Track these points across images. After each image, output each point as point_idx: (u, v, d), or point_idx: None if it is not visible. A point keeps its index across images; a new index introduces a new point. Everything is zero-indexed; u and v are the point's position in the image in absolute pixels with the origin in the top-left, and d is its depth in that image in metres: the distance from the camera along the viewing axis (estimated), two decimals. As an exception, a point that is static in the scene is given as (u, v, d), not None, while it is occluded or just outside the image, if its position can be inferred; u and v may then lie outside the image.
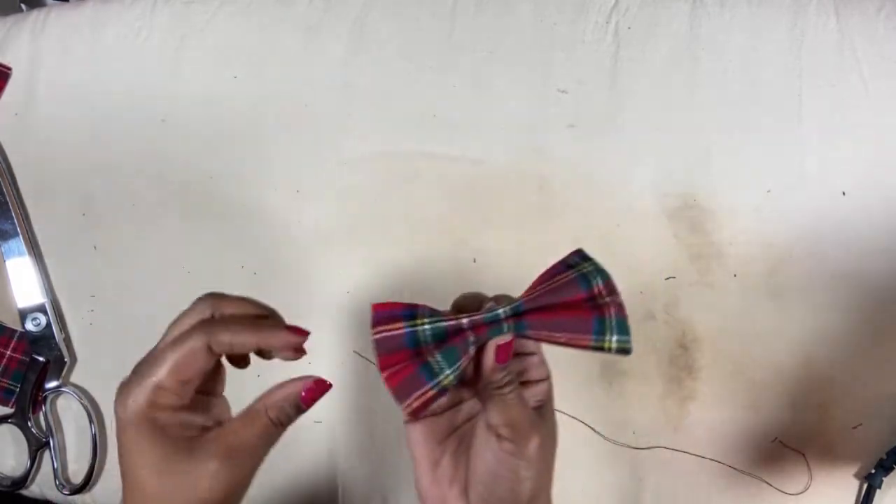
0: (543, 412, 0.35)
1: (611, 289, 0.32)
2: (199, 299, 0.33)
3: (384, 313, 0.31)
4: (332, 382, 0.33)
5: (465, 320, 0.31)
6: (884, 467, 0.46)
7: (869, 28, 0.50)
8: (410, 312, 0.31)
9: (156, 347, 0.32)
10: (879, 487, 0.46)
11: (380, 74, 0.56)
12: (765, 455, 0.48)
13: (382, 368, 0.30)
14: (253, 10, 0.58)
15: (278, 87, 0.57)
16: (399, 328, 0.31)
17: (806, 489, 0.48)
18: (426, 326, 0.31)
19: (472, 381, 0.33)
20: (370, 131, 0.55)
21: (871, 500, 0.47)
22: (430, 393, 0.30)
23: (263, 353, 0.33)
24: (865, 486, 0.47)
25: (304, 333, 0.32)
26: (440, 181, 0.54)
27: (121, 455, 0.31)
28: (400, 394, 0.30)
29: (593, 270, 0.33)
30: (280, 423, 0.32)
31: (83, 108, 0.60)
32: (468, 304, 0.34)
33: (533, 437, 0.32)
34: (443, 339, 0.31)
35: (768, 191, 0.50)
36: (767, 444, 0.48)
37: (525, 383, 0.34)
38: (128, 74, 0.60)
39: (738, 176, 0.51)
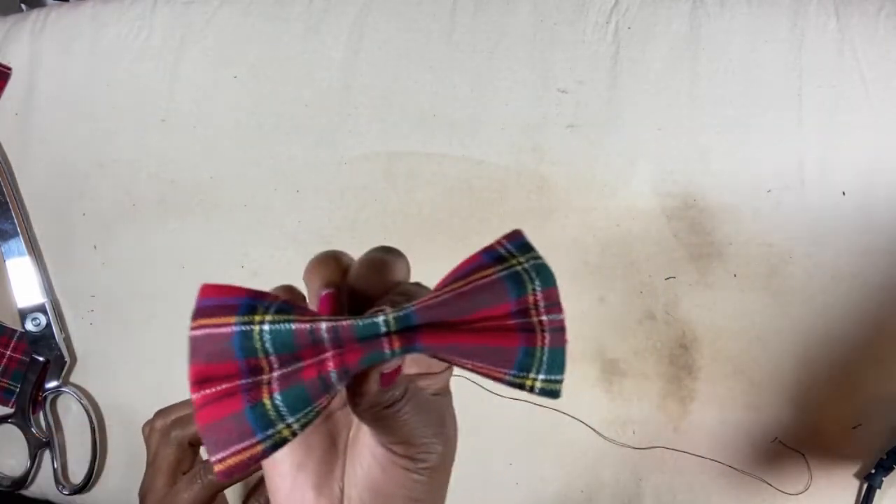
0: (441, 403, 0.26)
1: (551, 299, 0.23)
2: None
3: (213, 301, 0.20)
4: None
5: (324, 325, 0.20)
6: (884, 467, 0.46)
7: (869, 28, 0.50)
8: (250, 304, 0.20)
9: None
10: (879, 487, 0.46)
11: (380, 74, 0.56)
12: (765, 455, 0.48)
13: (194, 384, 0.20)
14: (253, 10, 0.58)
15: (278, 87, 0.57)
16: (227, 326, 0.20)
17: (806, 489, 0.48)
18: (265, 326, 0.20)
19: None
20: (370, 131, 0.55)
21: (871, 500, 0.47)
22: (258, 449, 0.20)
23: None
24: (865, 486, 0.47)
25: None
26: (440, 181, 0.54)
27: None
28: (212, 439, 0.20)
29: (531, 268, 0.23)
30: (221, 482, 0.38)
31: (83, 108, 0.60)
32: (323, 271, 0.24)
33: (434, 447, 0.25)
34: (289, 351, 0.20)
35: (768, 191, 0.50)
36: (767, 444, 0.48)
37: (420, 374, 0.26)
38: (128, 74, 0.60)
39: (738, 176, 0.51)
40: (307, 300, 0.25)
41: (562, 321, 0.22)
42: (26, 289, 0.58)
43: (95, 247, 0.59)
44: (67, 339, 0.58)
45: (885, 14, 0.50)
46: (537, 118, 0.53)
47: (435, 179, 0.54)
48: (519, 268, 0.23)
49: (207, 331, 0.20)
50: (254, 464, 0.20)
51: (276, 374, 0.20)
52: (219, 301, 0.20)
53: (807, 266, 0.49)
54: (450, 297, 0.21)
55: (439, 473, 0.26)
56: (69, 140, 0.60)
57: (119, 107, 0.59)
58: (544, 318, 0.22)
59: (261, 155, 0.57)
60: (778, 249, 0.50)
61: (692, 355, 0.50)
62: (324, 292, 0.23)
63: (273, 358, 0.20)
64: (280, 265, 0.55)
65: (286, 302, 0.20)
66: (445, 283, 0.22)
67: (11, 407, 0.57)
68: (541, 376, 0.22)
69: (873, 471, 0.47)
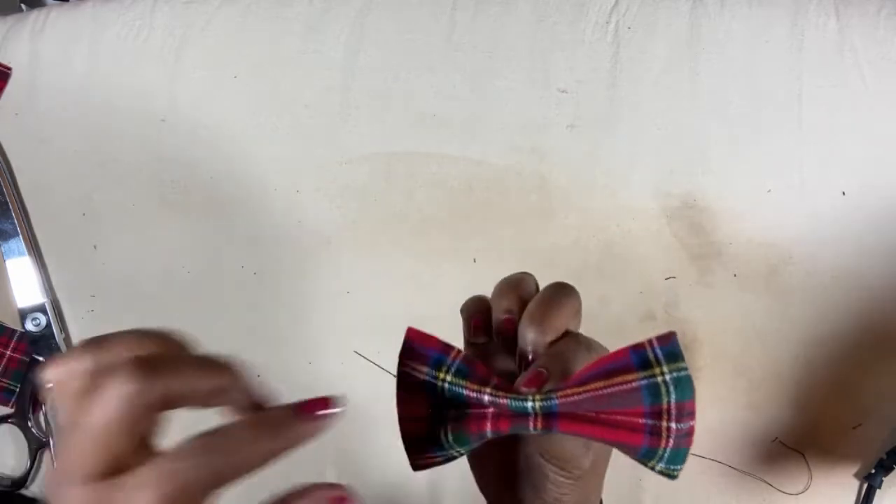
0: None
1: (683, 410, 0.24)
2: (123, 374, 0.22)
3: (415, 347, 0.28)
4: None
5: (486, 398, 0.26)
6: (884, 467, 0.46)
7: (869, 28, 0.50)
8: (438, 358, 0.28)
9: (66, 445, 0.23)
10: (879, 487, 0.46)
11: (380, 74, 0.56)
12: (765, 455, 0.48)
13: (399, 405, 0.28)
14: (253, 10, 0.58)
15: (278, 87, 0.57)
16: (422, 373, 0.28)
17: (806, 489, 0.48)
18: (445, 384, 0.27)
19: None
20: (370, 131, 0.55)
21: (871, 500, 0.47)
22: (438, 459, 0.29)
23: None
24: (865, 486, 0.47)
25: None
26: (440, 181, 0.54)
27: None
28: (410, 445, 0.28)
29: (672, 381, 0.24)
30: None
31: (83, 108, 0.60)
32: (476, 308, 0.33)
33: (585, 458, 0.29)
34: (460, 403, 0.28)
35: (768, 191, 0.50)
36: (767, 444, 0.48)
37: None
38: (128, 74, 0.60)
39: (738, 176, 0.51)
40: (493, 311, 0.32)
41: (690, 428, 0.25)
42: (26, 289, 0.58)
43: (95, 247, 0.59)
44: (67, 339, 0.58)
45: (885, 14, 0.50)
46: (537, 118, 0.53)
47: (435, 179, 0.54)
48: (659, 379, 0.24)
49: (409, 370, 0.28)
50: (436, 465, 0.29)
51: (450, 418, 0.28)
52: (418, 348, 0.28)
53: (807, 266, 0.49)
54: (590, 397, 0.25)
55: (589, 479, 0.31)
56: (69, 140, 0.60)
57: (119, 107, 0.59)
58: (673, 425, 0.25)
59: (261, 155, 0.57)
60: (778, 249, 0.50)
61: (692, 355, 0.50)
62: (504, 317, 0.31)
63: (447, 409, 0.28)
64: (280, 265, 0.55)
65: (463, 358, 0.28)
66: (584, 378, 0.25)
67: (11, 407, 0.57)
68: (660, 465, 0.26)
69: (873, 471, 0.47)
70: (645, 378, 0.24)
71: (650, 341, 0.25)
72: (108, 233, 0.58)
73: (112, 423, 0.21)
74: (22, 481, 0.56)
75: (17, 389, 0.57)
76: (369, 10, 0.56)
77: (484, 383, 0.27)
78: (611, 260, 0.51)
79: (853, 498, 0.48)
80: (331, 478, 0.53)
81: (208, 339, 0.55)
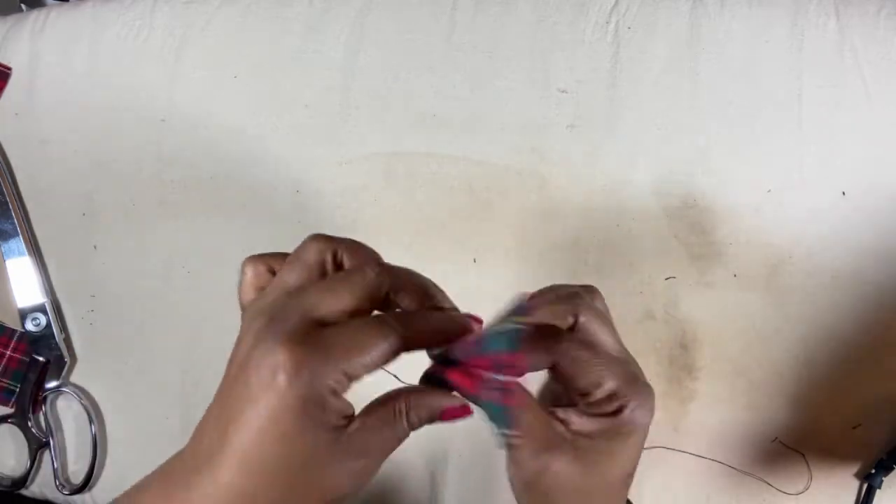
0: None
1: (500, 363, 0.27)
2: (372, 267, 0.28)
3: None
4: (473, 412, 0.29)
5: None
6: (884, 467, 0.46)
7: (869, 28, 0.50)
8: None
9: (320, 298, 0.27)
10: (879, 487, 0.46)
11: (380, 74, 0.56)
12: (765, 455, 0.48)
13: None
14: (253, 10, 0.58)
15: (278, 87, 0.57)
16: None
17: (806, 489, 0.48)
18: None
19: None
20: (370, 131, 0.55)
21: (871, 500, 0.47)
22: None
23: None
24: (865, 486, 0.47)
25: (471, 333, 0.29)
26: (440, 181, 0.54)
27: (248, 434, 0.24)
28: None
29: (499, 332, 0.28)
30: (413, 428, 0.28)
31: (83, 108, 0.60)
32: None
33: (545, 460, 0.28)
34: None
35: (768, 191, 0.50)
36: (767, 444, 0.48)
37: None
38: (128, 74, 0.60)
39: (738, 176, 0.51)
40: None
41: (506, 383, 0.27)
42: (26, 289, 0.58)
43: (95, 247, 0.59)
44: (67, 339, 0.58)
45: (885, 14, 0.50)
46: (537, 118, 0.53)
47: (435, 179, 0.54)
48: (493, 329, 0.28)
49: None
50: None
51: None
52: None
53: (807, 266, 0.49)
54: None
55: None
56: (69, 140, 0.60)
57: (119, 107, 0.59)
58: (489, 374, 0.27)
59: (261, 155, 0.57)
60: (778, 249, 0.50)
61: (692, 355, 0.50)
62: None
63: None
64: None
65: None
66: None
67: (11, 407, 0.57)
68: (489, 422, 0.28)
69: (873, 471, 0.47)
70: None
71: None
72: (108, 233, 0.58)
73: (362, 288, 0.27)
74: (22, 481, 0.56)
75: (17, 389, 0.57)
76: (369, 10, 0.56)
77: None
78: (611, 260, 0.51)
79: (853, 498, 0.48)
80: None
81: (208, 339, 0.55)
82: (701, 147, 0.51)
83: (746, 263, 0.50)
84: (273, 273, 0.31)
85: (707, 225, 0.51)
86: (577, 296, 0.31)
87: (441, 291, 0.30)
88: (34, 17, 0.62)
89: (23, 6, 0.66)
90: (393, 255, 0.54)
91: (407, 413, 0.28)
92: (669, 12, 0.52)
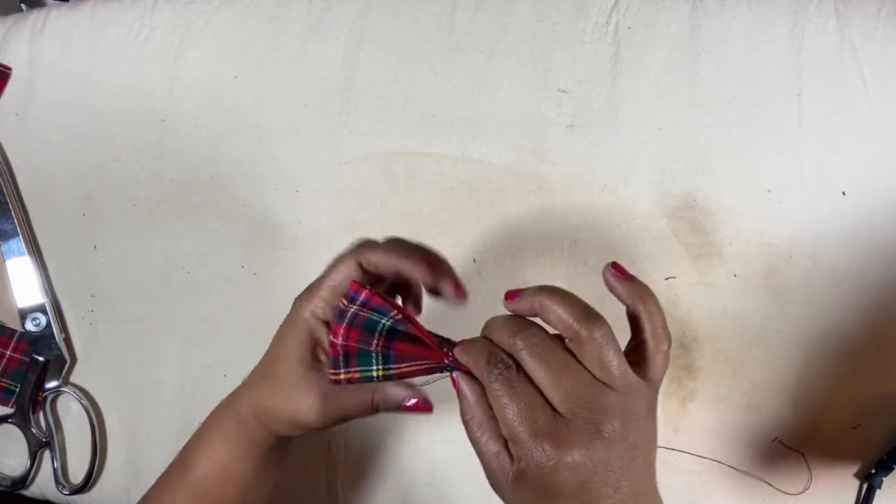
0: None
1: None
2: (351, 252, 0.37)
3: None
4: (433, 411, 0.36)
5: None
6: (884, 467, 0.46)
7: (869, 28, 0.50)
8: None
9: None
10: (879, 487, 0.46)
11: (380, 74, 0.56)
12: (765, 455, 0.48)
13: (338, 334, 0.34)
14: (253, 10, 0.58)
15: (278, 87, 0.57)
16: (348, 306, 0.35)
17: (806, 489, 0.48)
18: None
19: None
20: (370, 131, 0.55)
21: (871, 500, 0.47)
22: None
23: (435, 291, 0.36)
24: (865, 486, 0.47)
25: (440, 274, 0.36)
26: (440, 181, 0.54)
27: (279, 339, 0.37)
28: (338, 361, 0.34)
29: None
30: (377, 410, 0.36)
31: (83, 108, 0.60)
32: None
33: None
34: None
35: (768, 191, 0.50)
36: (767, 444, 0.48)
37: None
38: (128, 74, 0.60)
39: (738, 176, 0.51)
40: None
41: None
42: (26, 289, 0.58)
43: (95, 247, 0.59)
44: (67, 339, 0.58)
45: (885, 14, 0.50)
46: (537, 118, 0.53)
47: (435, 179, 0.54)
48: None
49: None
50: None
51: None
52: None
53: (807, 266, 0.49)
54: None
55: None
56: (69, 140, 0.60)
57: (119, 107, 0.59)
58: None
59: (261, 155, 0.57)
60: (778, 249, 0.50)
61: (692, 355, 0.50)
62: None
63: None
64: (280, 265, 0.55)
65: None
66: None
67: (11, 407, 0.57)
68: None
69: (873, 471, 0.47)
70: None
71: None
72: (108, 233, 0.58)
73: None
74: (22, 481, 0.56)
75: (17, 389, 0.57)
76: (369, 10, 0.56)
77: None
78: (611, 260, 0.51)
79: (853, 498, 0.48)
80: (332, 489, 0.53)
81: (209, 339, 0.55)
82: (701, 147, 0.51)
83: (746, 263, 0.50)
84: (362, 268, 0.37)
85: (707, 225, 0.51)
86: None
87: (421, 252, 0.36)
88: (34, 17, 0.62)
89: (23, 6, 0.66)
90: (393, 255, 0.54)
91: (374, 393, 0.36)
92: (669, 12, 0.53)
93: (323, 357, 0.36)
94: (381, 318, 0.33)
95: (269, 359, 0.38)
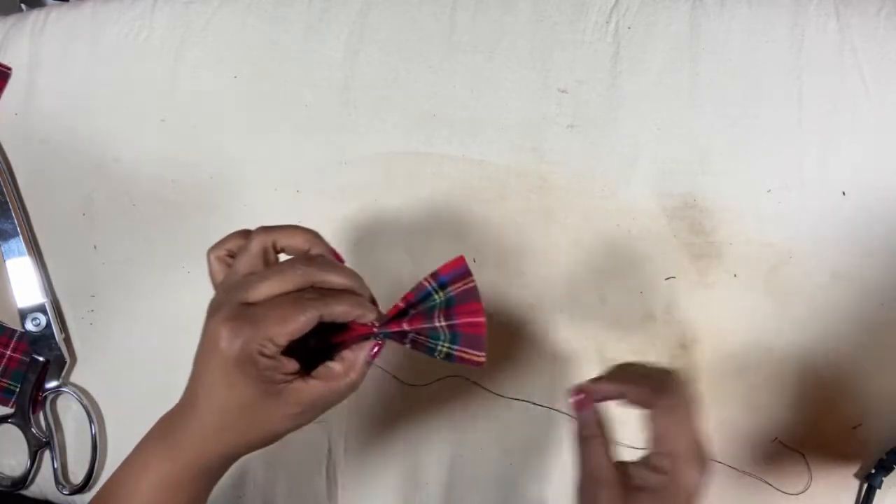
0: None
1: (450, 315, 0.35)
2: (301, 265, 0.35)
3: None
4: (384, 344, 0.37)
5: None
6: (884, 467, 0.46)
7: (869, 28, 0.50)
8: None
9: (252, 287, 0.34)
10: (879, 487, 0.46)
11: (380, 74, 0.56)
12: (765, 455, 0.48)
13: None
14: (253, 10, 0.58)
15: (278, 87, 0.57)
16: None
17: (806, 489, 0.48)
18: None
19: None
20: (370, 131, 0.55)
21: (871, 500, 0.47)
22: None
23: None
24: (865, 486, 0.47)
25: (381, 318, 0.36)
26: (440, 181, 0.54)
27: (210, 383, 0.34)
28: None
29: (444, 299, 0.36)
30: (356, 385, 0.36)
31: (83, 108, 0.60)
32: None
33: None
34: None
35: (768, 191, 0.50)
36: (767, 444, 0.48)
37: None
38: (128, 74, 0.60)
39: (737, 176, 0.51)
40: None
41: (462, 324, 0.35)
42: (26, 289, 0.58)
43: (95, 247, 0.59)
44: (67, 339, 0.58)
45: (885, 14, 0.50)
46: (537, 118, 0.53)
47: (435, 179, 0.54)
48: (437, 298, 0.36)
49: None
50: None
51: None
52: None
53: (807, 266, 0.49)
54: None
55: None
56: (69, 140, 0.60)
57: (119, 107, 0.59)
58: (443, 321, 0.35)
59: (261, 155, 0.57)
60: (778, 249, 0.50)
61: (692, 355, 0.50)
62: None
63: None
64: (280, 265, 0.55)
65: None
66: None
67: (11, 407, 0.57)
68: (445, 345, 0.35)
69: (873, 471, 0.47)
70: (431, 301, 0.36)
71: (428, 280, 0.36)
72: (108, 233, 0.58)
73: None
74: (22, 481, 0.56)
75: (17, 389, 0.57)
76: (369, 10, 0.56)
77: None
78: (611, 260, 0.51)
79: (853, 498, 0.48)
80: (332, 488, 0.53)
81: (208, 339, 0.54)
82: (701, 147, 0.51)
83: (746, 263, 0.50)
84: (232, 255, 0.38)
85: (707, 225, 0.51)
86: (662, 387, 0.38)
87: (360, 279, 0.37)
88: (34, 17, 0.62)
89: (23, 6, 0.67)
90: (393, 255, 0.54)
91: (348, 373, 0.35)
92: (669, 12, 0.52)
93: (272, 371, 0.34)
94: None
95: (226, 407, 0.34)
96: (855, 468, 0.48)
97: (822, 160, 0.50)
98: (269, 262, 0.37)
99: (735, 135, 0.51)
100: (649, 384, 0.37)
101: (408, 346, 0.36)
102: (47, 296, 0.58)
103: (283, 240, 0.37)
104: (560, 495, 0.51)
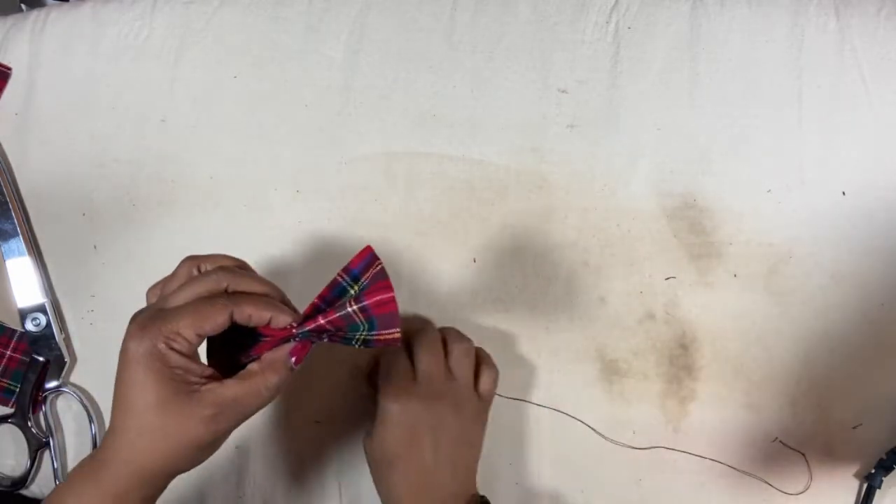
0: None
1: (360, 299, 0.36)
2: (216, 272, 0.36)
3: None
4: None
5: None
6: (884, 467, 0.46)
7: (869, 28, 0.50)
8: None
9: (172, 296, 0.35)
10: (879, 487, 0.46)
11: (380, 74, 0.56)
12: (765, 455, 0.48)
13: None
14: (253, 10, 0.58)
15: (278, 87, 0.57)
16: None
17: (806, 489, 0.48)
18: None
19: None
20: (370, 131, 0.55)
21: (871, 500, 0.47)
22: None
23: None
24: (865, 486, 0.47)
25: (298, 318, 0.37)
26: (440, 181, 0.54)
27: (123, 388, 0.34)
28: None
29: (357, 292, 0.37)
30: (276, 388, 0.36)
31: (83, 108, 0.60)
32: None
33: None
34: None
35: (768, 191, 0.50)
36: (767, 444, 0.48)
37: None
38: (128, 74, 0.60)
39: (737, 176, 0.51)
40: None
41: (373, 303, 0.35)
42: (26, 289, 0.58)
43: (95, 247, 0.59)
44: (67, 339, 0.58)
45: (885, 14, 0.50)
46: (537, 118, 0.53)
47: (435, 179, 0.54)
48: (351, 291, 0.37)
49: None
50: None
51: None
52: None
53: (807, 266, 0.49)
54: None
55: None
56: (69, 140, 0.60)
57: (119, 107, 0.59)
58: (355, 307, 0.36)
59: (261, 155, 0.57)
60: (778, 249, 0.50)
61: (692, 355, 0.50)
62: None
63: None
64: (280, 265, 0.55)
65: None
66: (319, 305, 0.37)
67: (11, 407, 0.57)
68: (364, 334, 0.36)
69: (873, 471, 0.47)
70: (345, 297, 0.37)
71: (341, 274, 0.37)
72: (108, 233, 0.58)
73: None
74: (22, 481, 0.56)
75: (17, 389, 0.57)
76: (369, 9, 0.56)
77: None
78: (611, 260, 0.51)
79: (853, 498, 0.48)
80: (332, 487, 0.53)
81: (208, 338, 0.54)
82: (701, 147, 0.51)
83: (746, 263, 0.50)
84: (199, 271, 0.38)
85: (707, 225, 0.51)
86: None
87: (277, 288, 0.38)
88: (34, 17, 0.62)
89: (23, 6, 0.66)
90: (393, 255, 0.54)
91: (264, 374, 0.35)
92: (669, 12, 0.53)
93: (184, 372, 0.34)
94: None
95: (139, 409, 0.34)
96: (855, 468, 0.48)
97: (822, 160, 0.50)
98: None
99: (735, 135, 0.51)
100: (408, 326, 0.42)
101: (325, 340, 0.36)
102: (47, 296, 0.58)
103: (209, 264, 0.38)
104: (561, 496, 0.51)
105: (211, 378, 0.35)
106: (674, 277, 0.51)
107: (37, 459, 0.56)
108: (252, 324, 0.35)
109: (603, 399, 0.50)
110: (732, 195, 0.50)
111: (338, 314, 0.35)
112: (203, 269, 0.38)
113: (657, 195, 0.51)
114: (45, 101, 0.61)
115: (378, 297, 0.35)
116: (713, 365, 0.50)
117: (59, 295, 0.59)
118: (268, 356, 0.36)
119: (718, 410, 0.49)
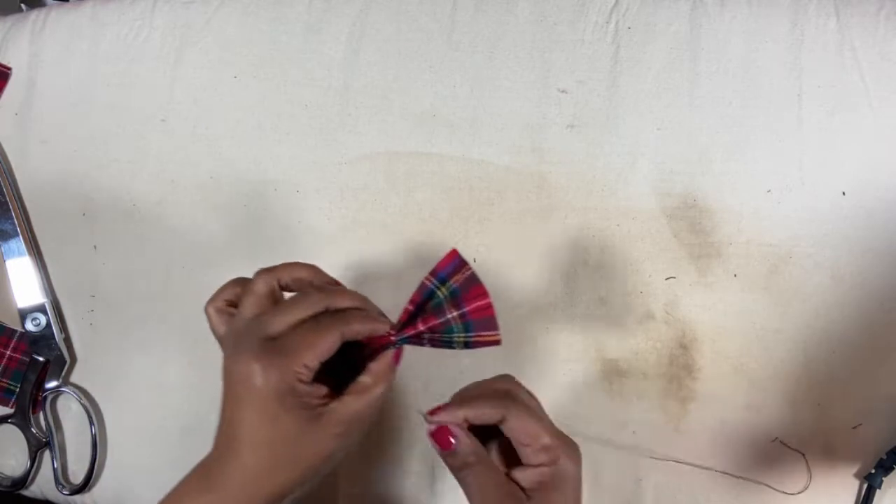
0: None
1: (458, 303, 0.36)
2: (314, 293, 0.36)
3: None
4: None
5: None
6: (884, 467, 0.46)
7: (869, 28, 0.50)
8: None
9: (270, 318, 0.34)
10: (879, 487, 0.46)
11: (380, 74, 0.56)
12: (765, 455, 0.48)
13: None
14: (253, 10, 0.58)
15: (278, 87, 0.57)
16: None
17: (806, 489, 0.48)
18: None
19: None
20: (370, 131, 0.55)
21: (871, 500, 0.47)
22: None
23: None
24: (865, 486, 0.47)
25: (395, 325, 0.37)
26: (440, 181, 0.54)
27: (249, 426, 0.33)
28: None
29: (448, 293, 0.36)
30: (385, 395, 0.36)
31: (83, 108, 0.60)
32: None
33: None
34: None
35: (768, 191, 0.50)
36: (767, 444, 0.48)
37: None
38: (128, 74, 0.60)
39: (737, 176, 0.51)
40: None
41: (472, 308, 0.35)
42: (26, 289, 0.58)
43: (95, 247, 0.59)
44: (67, 339, 0.58)
45: (885, 14, 0.50)
46: (537, 118, 0.53)
47: (435, 179, 0.54)
48: (440, 294, 0.36)
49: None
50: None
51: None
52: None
53: (807, 266, 0.49)
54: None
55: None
56: (69, 140, 0.60)
57: (119, 107, 0.59)
58: (454, 312, 0.35)
59: (261, 155, 0.57)
60: (778, 249, 0.50)
61: (692, 355, 0.50)
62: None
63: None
64: (280, 265, 0.55)
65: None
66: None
67: (11, 407, 0.57)
68: (461, 335, 0.35)
69: (873, 471, 0.47)
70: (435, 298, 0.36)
71: (429, 278, 0.36)
72: (108, 233, 0.59)
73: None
74: (22, 481, 0.56)
75: (17, 389, 0.57)
76: (369, 10, 0.56)
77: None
78: (611, 260, 0.51)
79: (853, 498, 0.48)
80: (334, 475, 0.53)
81: (208, 339, 0.55)
82: (701, 147, 0.51)
83: (746, 263, 0.50)
84: (232, 304, 0.39)
85: (707, 225, 0.51)
86: (507, 395, 0.37)
87: (366, 298, 0.38)
88: (34, 17, 0.62)
89: (23, 6, 0.66)
90: (393, 255, 0.54)
91: (376, 385, 0.35)
92: (669, 12, 0.53)
93: (310, 398, 0.34)
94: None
95: (273, 443, 0.34)
96: (855, 468, 0.48)
97: (822, 160, 0.50)
98: (276, 300, 0.37)
99: (735, 135, 0.51)
100: (495, 395, 0.37)
101: (426, 345, 0.37)
102: (47, 296, 0.58)
103: (286, 276, 0.38)
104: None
105: (327, 396, 0.35)
106: (674, 277, 0.51)
107: (37, 459, 0.56)
108: (357, 338, 0.36)
109: (603, 399, 0.50)
110: (732, 195, 0.50)
111: (437, 319, 0.35)
112: (282, 283, 0.38)
113: (657, 195, 0.51)
114: (45, 101, 0.61)
115: (476, 304, 0.35)
116: (713, 365, 0.50)
117: (59, 295, 0.59)
118: (374, 367, 0.36)
119: (718, 410, 0.49)
